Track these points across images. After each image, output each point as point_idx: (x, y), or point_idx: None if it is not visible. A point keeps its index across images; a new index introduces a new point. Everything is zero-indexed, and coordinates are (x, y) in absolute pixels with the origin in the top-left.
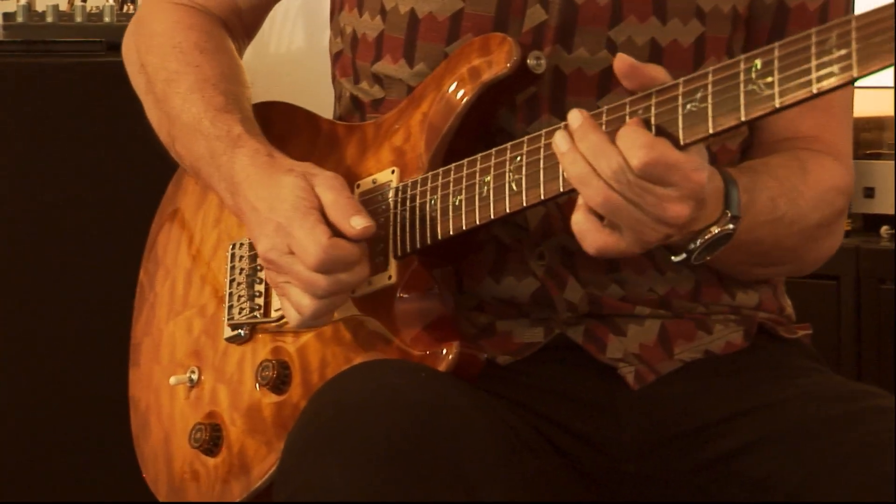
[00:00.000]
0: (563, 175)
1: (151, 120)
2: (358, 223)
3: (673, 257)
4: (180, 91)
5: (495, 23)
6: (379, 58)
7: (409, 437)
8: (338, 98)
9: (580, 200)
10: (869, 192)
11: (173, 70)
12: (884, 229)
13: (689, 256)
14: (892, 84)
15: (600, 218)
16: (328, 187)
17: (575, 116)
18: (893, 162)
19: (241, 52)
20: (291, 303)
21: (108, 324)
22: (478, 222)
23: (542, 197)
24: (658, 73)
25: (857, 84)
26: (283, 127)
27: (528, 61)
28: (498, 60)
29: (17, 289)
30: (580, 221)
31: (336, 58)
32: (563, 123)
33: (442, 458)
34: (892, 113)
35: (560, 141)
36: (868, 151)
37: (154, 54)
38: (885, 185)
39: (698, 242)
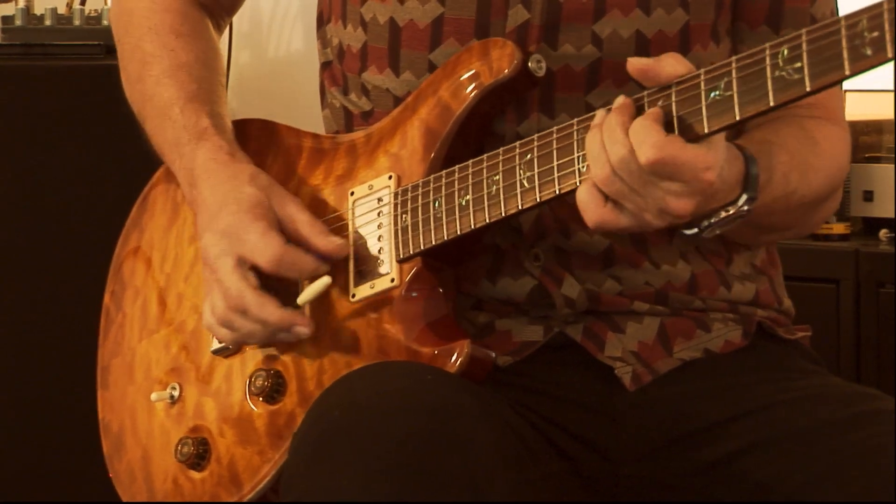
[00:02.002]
0: (579, 169)
1: (126, 91)
2: (336, 239)
3: (685, 231)
4: (154, 73)
5: (477, 25)
6: (365, 68)
7: (418, 442)
8: (327, 107)
9: (589, 174)
10: (868, 196)
11: (148, 52)
12: (883, 233)
13: (700, 231)
14: (890, 87)
15: (605, 193)
16: (300, 209)
17: (618, 99)
18: (893, 165)
19: (220, 29)
20: (210, 302)
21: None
22: (488, 221)
23: (558, 192)
24: (676, 67)
25: (855, 87)
26: (264, 143)
27: (530, 64)
28: (499, 65)
29: (13, 291)
30: (583, 194)
31: (324, 67)
32: (577, 119)
33: (450, 463)
34: (891, 116)
35: (597, 115)
36: (867, 155)
37: (130, 34)
38: (884, 188)
39: (712, 220)
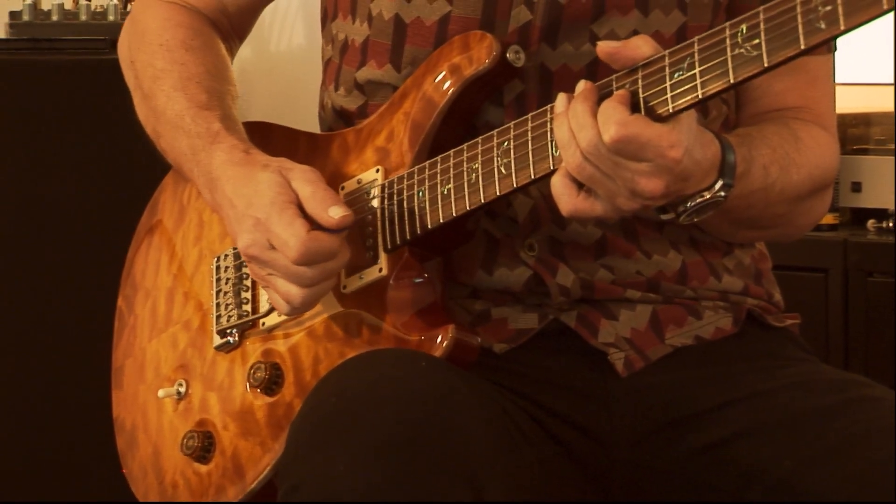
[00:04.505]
0: (552, 154)
1: (139, 115)
2: (336, 213)
3: (661, 216)
4: (165, 88)
5: (482, 24)
6: (364, 63)
7: (412, 427)
8: (322, 107)
9: (562, 163)
10: (856, 187)
11: (159, 68)
12: (870, 223)
13: (677, 216)
14: (877, 81)
15: (579, 183)
16: (305, 181)
17: (580, 84)
18: (879, 157)
19: (232, 52)
20: (279, 293)
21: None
22: (468, 208)
23: (533, 176)
24: (642, 48)
25: (844, 81)
26: (259, 144)
27: (508, 55)
28: (478, 56)
29: (16, 286)
30: (557, 184)
31: (326, 65)
32: (550, 105)
33: (444, 448)
34: (878, 109)
35: (559, 102)
36: (855, 147)
37: (143, 52)
38: (872, 179)
39: (688, 205)
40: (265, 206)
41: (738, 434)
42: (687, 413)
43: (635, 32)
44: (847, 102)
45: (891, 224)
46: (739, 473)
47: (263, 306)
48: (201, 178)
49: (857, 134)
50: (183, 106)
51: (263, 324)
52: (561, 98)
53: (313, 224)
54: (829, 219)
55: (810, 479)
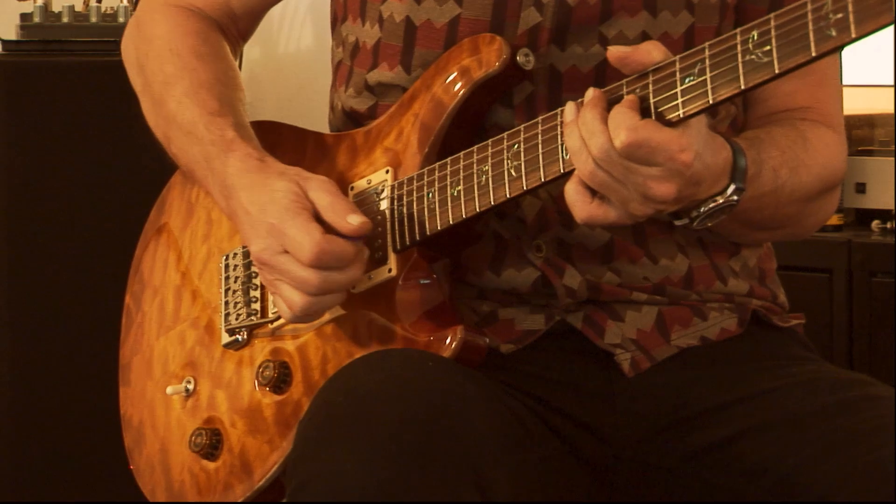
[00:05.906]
0: (562, 157)
1: (148, 119)
2: (355, 219)
3: (675, 221)
4: (176, 95)
5: (491, 27)
6: (376, 65)
7: (420, 425)
8: (332, 109)
9: (575, 171)
10: (860, 188)
11: (170, 74)
12: (874, 223)
13: (691, 222)
14: (881, 83)
15: (592, 190)
16: (323, 191)
17: (588, 91)
18: (884, 159)
19: (236, 54)
20: (283, 299)
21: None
22: (478, 209)
23: (543, 179)
24: (652, 53)
25: (848, 83)
26: (269, 144)
27: (518, 58)
28: (488, 59)
29: (32, 290)
30: (571, 192)
31: (336, 68)
32: (560, 109)
33: (451, 447)
34: (883, 111)
35: (567, 111)
36: (859, 148)
37: (152, 58)
38: (876, 180)
39: (702, 210)
40: (279, 212)
41: (743, 433)
42: (692, 412)
43: (644, 34)
44: (851, 104)
45: (895, 224)
46: (743, 471)
47: (272, 305)
48: (216, 185)
49: (862, 135)
50: (195, 113)
51: (272, 323)
52: (570, 106)
53: (329, 231)
54: (833, 219)
55: (814, 477)
